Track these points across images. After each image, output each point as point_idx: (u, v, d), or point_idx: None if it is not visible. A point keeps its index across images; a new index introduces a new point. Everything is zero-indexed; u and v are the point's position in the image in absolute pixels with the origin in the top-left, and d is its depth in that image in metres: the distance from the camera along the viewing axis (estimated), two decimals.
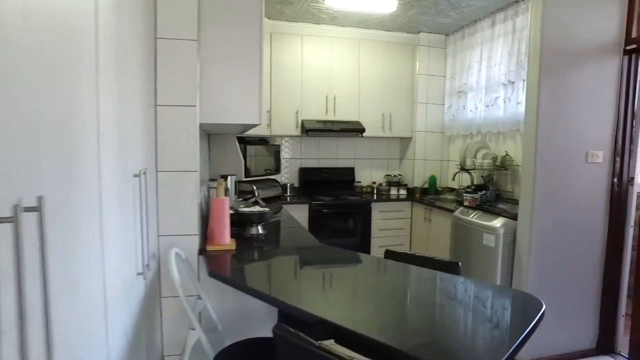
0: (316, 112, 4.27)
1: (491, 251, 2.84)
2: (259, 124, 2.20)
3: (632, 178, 2.82)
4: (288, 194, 4.38)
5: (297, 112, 4.23)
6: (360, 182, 4.74)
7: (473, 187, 3.87)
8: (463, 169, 3.85)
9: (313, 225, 4.01)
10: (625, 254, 2.88)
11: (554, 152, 2.63)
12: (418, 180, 4.57)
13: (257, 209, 2.41)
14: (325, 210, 4.04)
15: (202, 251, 1.99)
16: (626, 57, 2.76)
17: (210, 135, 3.15)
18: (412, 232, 4.33)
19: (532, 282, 2.66)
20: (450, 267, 1.72)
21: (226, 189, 2.36)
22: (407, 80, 4.53)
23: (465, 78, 4.15)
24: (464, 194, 3.54)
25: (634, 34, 2.72)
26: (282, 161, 4.54)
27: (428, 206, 3.99)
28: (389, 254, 1.97)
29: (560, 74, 2.62)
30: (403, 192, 4.57)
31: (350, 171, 4.68)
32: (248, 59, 2.09)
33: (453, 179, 4.09)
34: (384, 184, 4.63)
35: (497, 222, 2.84)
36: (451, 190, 4.38)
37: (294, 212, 3.72)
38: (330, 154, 4.70)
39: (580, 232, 2.76)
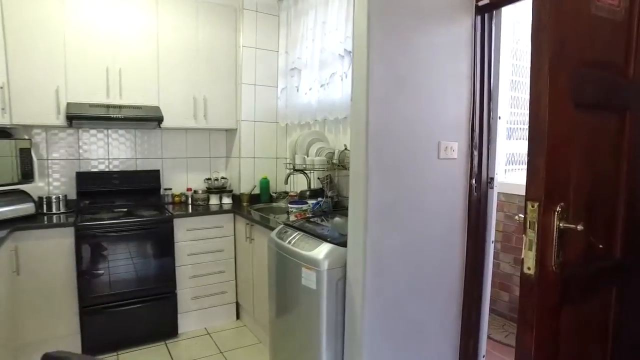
0: (91, 92, 2.91)
1: (313, 295, 1.87)
2: None
3: (492, 179, 2.11)
4: (52, 211, 2.94)
5: (57, 91, 2.81)
6: (171, 189, 3.49)
7: (308, 193, 2.93)
8: (295, 169, 2.89)
9: (84, 258, 2.66)
10: (485, 277, 2.17)
11: (393, 145, 1.75)
12: (246, 184, 3.50)
13: None
14: (100, 235, 2.72)
15: None
16: (479, 17, 2.03)
17: None
18: (238, 256, 3.25)
19: (370, 335, 1.76)
20: None
21: None
22: (228, 55, 3.42)
23: (299, 51, 3.20)
24: (289, 205, 2.56)
25: None
26: (41, 163, 3.07)
27: (248, 221, 2.94)
28: None
29: (400, 37, 1.75)
30: (227, 200, 3.47)
31: (154, 175, 3.40)
32: None
33: (286, 182, 3.10)
34: (200, 192, 3.45)
35: (321, 251, 1.88)
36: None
37: (51, 241, 2.54)
38: (125, 152, 3.36)
39: (435, 252, 1.95)
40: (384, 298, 1.79)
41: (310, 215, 2.55)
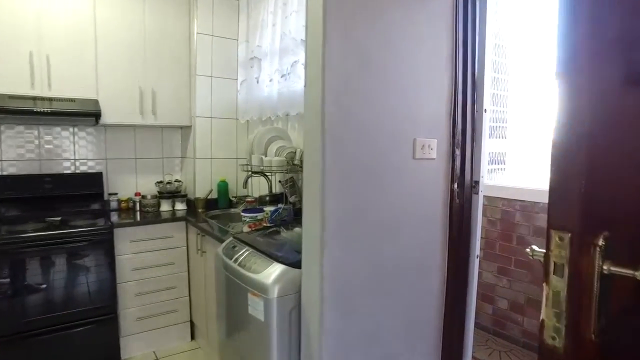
0: (10, 82, 2.48)
1: (262, 328, 1.52)
2: None
3: (477, 182, 1.79)
4: None
5: None
6: (116, 194, 3.08)
7: (269, 198, 2.57)
8: (254, 171, 2.52)
9: (8, 277, 2.24)
10: (469, 301, 1.85)
11: (357, 141, 1.41)
12: (202, 188, 3.11)
13: None
14: (19, 252, 2.29)
15: None
16: None
17: None
18: (191, 270, 2.86)
19: None
20: None
21: None
22: (180, 43, 3.03)
23: (259, 39, 2.84)
24: (242, 213, 2.19)
25: None
26: None
27: (199, 230, 2.56)
28: None
29: (366, 9, 1.41)
30: (181, 206, 3.08)
31: (95, 179, 2.98)
32: None
33: (244, 186, 2.74)
34: (149, 197, 3.05)
35: (270, 274, 1.52)
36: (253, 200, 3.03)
37: None
38: (59, 153, 2.93)
39: (409, 273, 1.62)
40: (348, 332, 1.44)
41: (269, 225, 2.19)
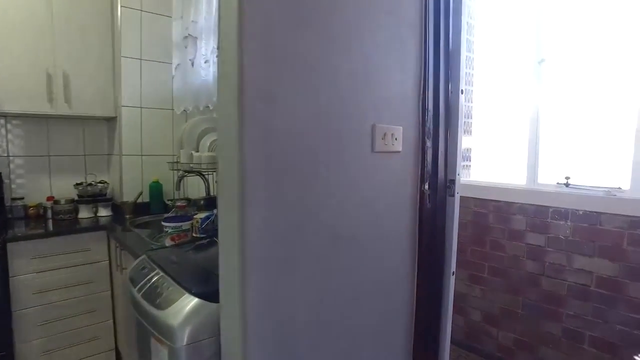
0: None
1: None
2: None
3: (452, 181, 1.44)
4: None
5: None
6: (22, 198, 2.55)
7: (204, 202, 2.15)
8: (184, 170, 2.09)
9: None
10: (444, 328, 1.50)
11: (293, 131, 1.01)
12: (130, 190, 2.64)
13: None
14: None
15: None
16: None
17: None
18: (115, 289, 2.38)
19: None
20: None
21: None
22: (100, 18, 2.54)
23: (194, 14, 2.39)
24: (163, 222, 1.75)
25: None
26: None
27: (118, 243, 2.10)
28: None
29: None
30: (105, 212, 2.59)
31: None
32: None
33: (177, 188, 2.29)
34: (63, 201, 2.54)
35: (179, 311, 1.10)
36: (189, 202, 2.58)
37: None
38: None
39: (369, 303, 1.24)
40: None
41: (199, 236, 1.76)
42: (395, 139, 1.24)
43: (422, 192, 1.37)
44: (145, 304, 1.20)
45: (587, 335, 2.23)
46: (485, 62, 2.81)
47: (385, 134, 1.21)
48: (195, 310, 1.08)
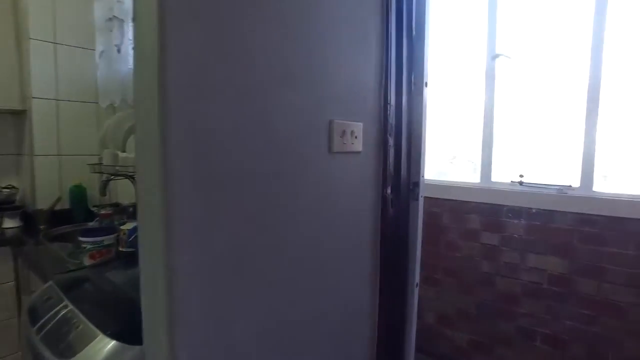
0: None
1: None
2: None
3: (416, 184, 1.29)
4: None
5: None
6: None
7: (133, 210, 1.86)
8: (108, 172, 1.79)
9: None
10: (408, 344, 1.36)
11: (232, 130, 0.80)
12: (45, 196, 2.27)
13: None
14: None
15: None
16: None
17: None
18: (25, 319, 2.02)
19: None
20: None
21: None
22: None
23: None
24: (80, 237, 1.46)
25: None
26: None
27: (23, 261, 1.76)
28: None
29: None
30: (14, 223, 2.22)
31: None
32: None
33: (103, 194, 1.98)
34: None
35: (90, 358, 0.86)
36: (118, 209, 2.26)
37: None
38: None
39: (322, 327, 1.06)
40: None
41: (127, 250, 1.50)
42: (356, 137, 1.07)
43: (384, 197, 1.21)
44: (44, 349, 0.94)
45: (540, 332, 2.21)
46: (438, 56, 2.72)
47: (344, 132, 1.03)
48: (110, 359, 0.84)
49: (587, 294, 2.06)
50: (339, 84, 1.01)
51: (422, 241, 2.46)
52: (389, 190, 1.21)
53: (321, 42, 0.95)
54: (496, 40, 2.33)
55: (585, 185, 2.06)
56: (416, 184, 1.27)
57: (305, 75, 0.92)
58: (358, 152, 1.09)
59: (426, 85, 1.25)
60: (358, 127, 1.08)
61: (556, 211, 2.12)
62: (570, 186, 2.11)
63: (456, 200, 2.46)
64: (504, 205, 2.28)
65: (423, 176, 1.29)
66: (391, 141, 1.20)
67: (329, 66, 0.98)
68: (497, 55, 2.33)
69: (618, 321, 1.98)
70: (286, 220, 0.91)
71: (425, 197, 2.43)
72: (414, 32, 1.23)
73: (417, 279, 1.33)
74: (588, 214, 2.03)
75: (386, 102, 1.17)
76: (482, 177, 2.40)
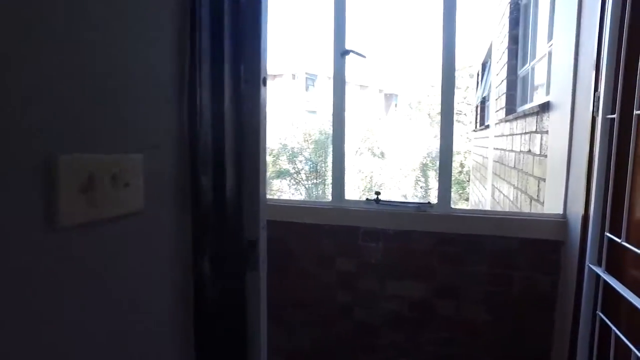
0: None
1: None
2: None
3: (254, 243, 0.80)
4: None
5: None
6: None
7: None
8: None
9: None
10: None
11: None
12: None
13: None
14: None
15: None
16: None
17: None
18: None
19: None
20: None
21: None
22: None
23: None
24: None
25: None
26: None
27: None
28: None
29: None
30: None
31: None
32: None
33: None
34: None
35: None
36: None
37: None
38: None
39: None
40: None
41: None
42: (126, 185, 0.53)
43: (198, 275, 0.70)
44: None
45: None
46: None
47: (93, 177, 0.48)
48: None
49: (446, 315, 1.92)
50: (72, 79, 0.46)
51: (267, 273, 1.94)
52: (206, 262, 0.71)
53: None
54: (345, 35, 2.00)
55: (442, 203, 1.89)
56: (253, 244, 0.79)
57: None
58: (135, 214, 0.55)
59: (264, 83, 0.78)
60: (131, 164, 0.54)
61: (415, 231, 1.91)
62: (429, 204, 1.91)
63: (307, 223, 2.08)
64: (360, 227, 1.99)
65: (264, 228, 0.82)
66: (205, 179, 0.69)
67: (45, 44, 0.42)
68: (346, 52, 2.01)
69: (474, 339, 1.88)
70: None
71: (269, 220, 1.93)
72: (242, 2, 0.75)
73: None
74: (448, 233, 1.87)
75: (193, 110, 0.66)
76: (334, 196, 2.06)
